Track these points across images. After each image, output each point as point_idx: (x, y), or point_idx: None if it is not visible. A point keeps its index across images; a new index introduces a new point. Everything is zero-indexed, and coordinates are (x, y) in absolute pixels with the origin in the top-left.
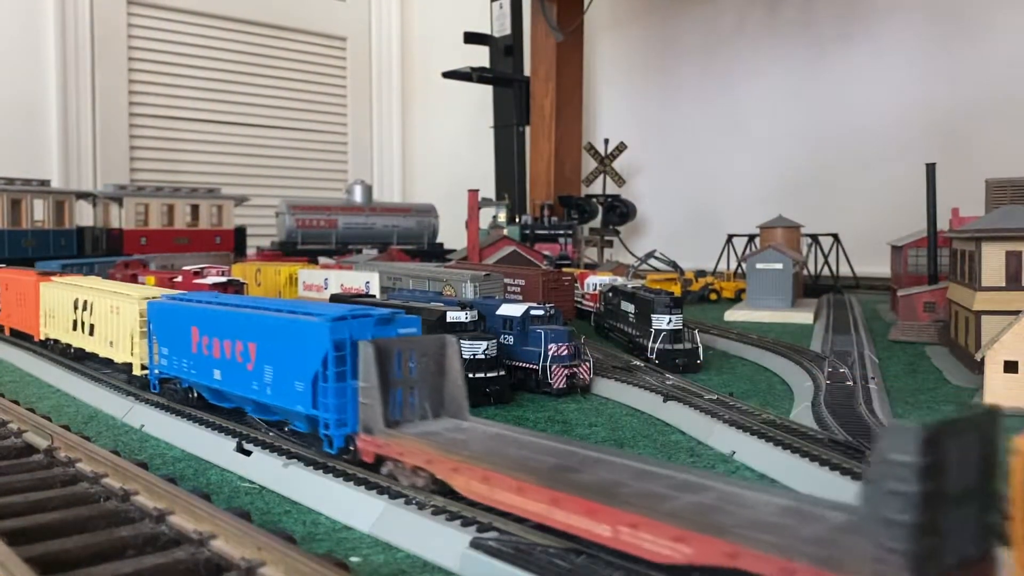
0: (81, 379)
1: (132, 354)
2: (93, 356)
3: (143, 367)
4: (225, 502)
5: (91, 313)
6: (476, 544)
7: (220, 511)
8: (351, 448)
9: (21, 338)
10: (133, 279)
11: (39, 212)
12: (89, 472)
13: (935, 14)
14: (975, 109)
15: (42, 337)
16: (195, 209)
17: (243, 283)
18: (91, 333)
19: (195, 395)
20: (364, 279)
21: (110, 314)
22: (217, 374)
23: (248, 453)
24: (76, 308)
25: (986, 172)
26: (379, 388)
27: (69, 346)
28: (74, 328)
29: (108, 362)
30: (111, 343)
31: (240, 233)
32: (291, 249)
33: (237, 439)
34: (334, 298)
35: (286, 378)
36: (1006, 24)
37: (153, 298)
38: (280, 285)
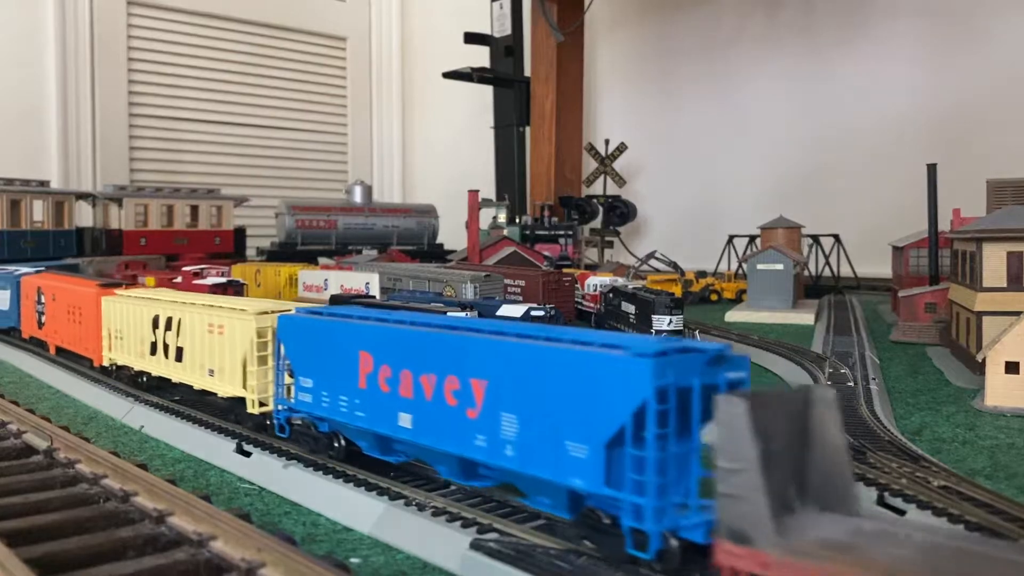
0: (81, 380)
1: (245, 386)
2: (181, 387)
3: (261, 403)
4: (225, 503)
5: (179, 333)
6: (476, 545)
7: (220, 512)
8: (669, 549)
9: (74, 359)
10: (133, 279)
11: (38, 213)
12: (89, 473)
13: (935, 15)
14: (976, 110)
15: (105, 363)
16: (195, 210)
17: (243, 284)
18: (179, 359)
19: (342, 442)
20: (364, 280)
21: (209, 334)
22: (405, 420)
23: (248, 454)
24: (156, 327)
25: (987, 173)
26: (760, 471)
27: (143, 375)
28: (152, 352)
29: (202, 395)
30: (211, 371)
31: (240, 234)
32: (291, 250)
33: (237, 440)
34: (334, 299)
35: (547, 435)
36: (1007, 24)
37: (284, 312)
38: (280, 286)
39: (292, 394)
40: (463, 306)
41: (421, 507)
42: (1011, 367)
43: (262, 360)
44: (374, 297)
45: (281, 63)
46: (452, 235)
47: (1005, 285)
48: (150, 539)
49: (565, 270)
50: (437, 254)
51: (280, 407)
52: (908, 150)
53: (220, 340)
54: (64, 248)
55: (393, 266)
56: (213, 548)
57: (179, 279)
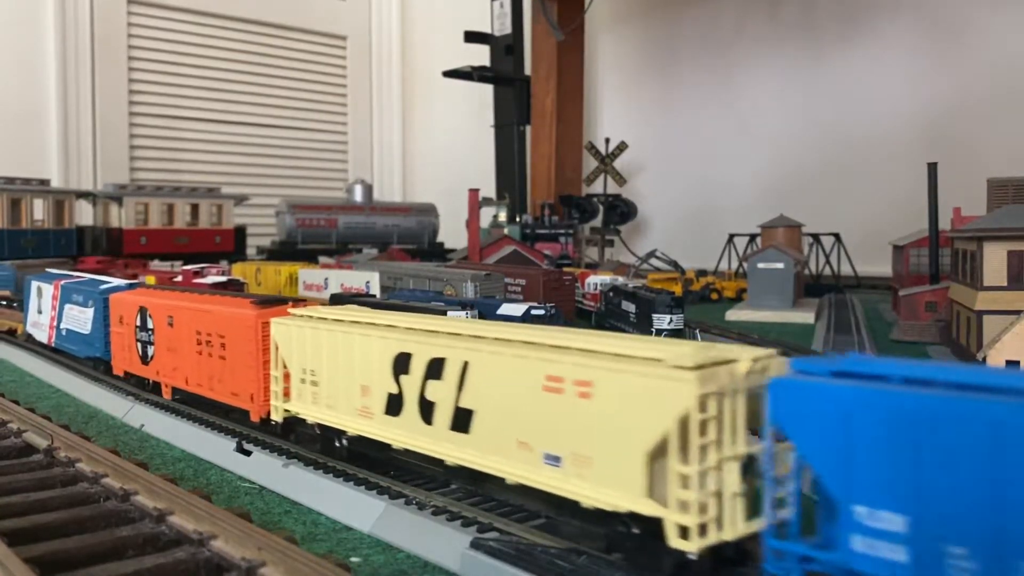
0: (81, 379)
1: (654, 496)
2: (453, 469)
3: (697, 529)
4: (225, 502)
5: (462, 386)
6: (476, 544)
7: (220, 511)
8: None
9: (199, 405)
10: (134, 279)
11: (39, 212)
12: (89, 472)
13: (936, 14)
14: (976, 108)
15: (275, 416)
16: (195, 208)
17: (243, 283)
18: (461, 427)
19: None
20: (364, 279)
21: (546, 395)
22: None
23: (248, 453)
24: (403, 371)
25: (988, 171)
26: None
27: (346, 437)
28: (393, 411)
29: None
30: (552, 458)
31: (240, 232)
32: (291, 248)
33: (237, 439)
34: (334, 298)
35: None
36: (1008, 24)
37: (768, 366)
38: (280, 285)
39: (817, 530)
40: (463, 305)
41: (421, 506)
42: (1012, 366)
43: (698, 452)
44: (374, 296)
45: (282, 62)
46: (452, 234)
47: (1006, 284)
48: (150, 538)
49: (565, 269)
50: (437, 253)
51: (781, 551)
52: (909, 149)
53: (580, 408)
54: (64, 247)
55: (393, 265)
56: (213, 547)
57: (179, 278)
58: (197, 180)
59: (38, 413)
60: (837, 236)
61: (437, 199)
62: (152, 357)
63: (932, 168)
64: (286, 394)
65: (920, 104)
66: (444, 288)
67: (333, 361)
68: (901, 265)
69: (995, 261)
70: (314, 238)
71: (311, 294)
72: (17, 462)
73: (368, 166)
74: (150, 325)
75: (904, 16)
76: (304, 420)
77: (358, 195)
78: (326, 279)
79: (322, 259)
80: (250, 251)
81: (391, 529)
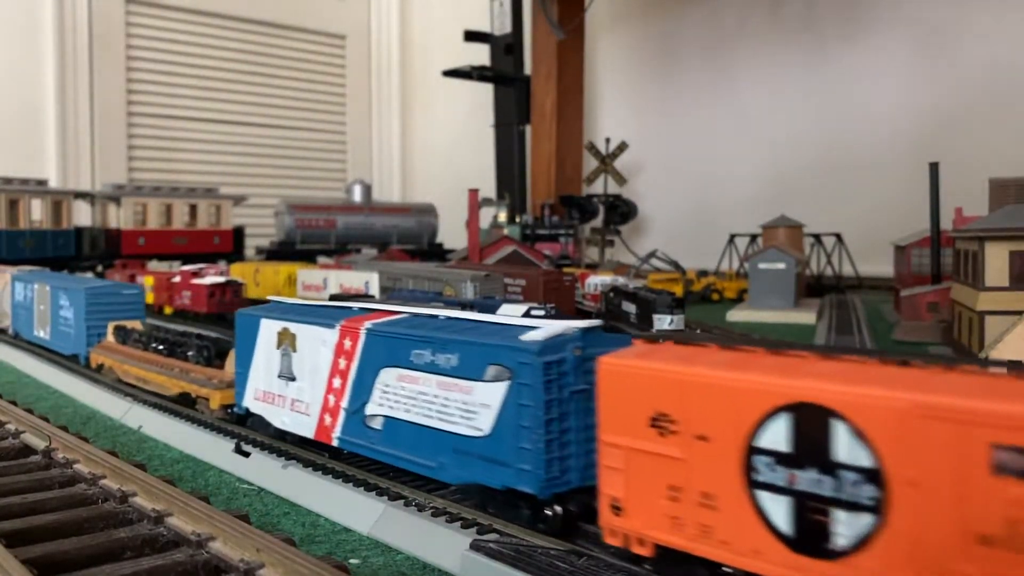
0: (79, 380)
1: None
2: None
3: None
4: (224, 503)
5: None
6: (476, 546)
7: (219, 513)
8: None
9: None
10: (132, 280)
11: (37, 212)
12: (87, 473)
13: (938, 14)
14: (978, 108)
15: None
16: (193, 209)
17: (241, 283)
18: None
19: None
20: (363, 279)
21: None
22: None
23: (247, 454)
24: None
25: (990, 171)
26: None
27: None
28: None
29: None
30: None
31: (239, 233)
32: (290, 249)
33: (236, 440)
34: (333, 299)
35: None
36: (1009, 24)
37: None
38: (279, 285)
39: None
40: (463, 305)
41: (421, 507)
42: (1015, 367)
43: None
44: (373, 297)
45: (280, 61)
46: (452, 234)
47: (1007, 284)
48: (148, 540)
49: (566, 269)
50: (437, 253)
51: None
52: (910, 148)
53: None
54: (62, 248)
55: (393, 265)
56: (212, 549)
57: (177, 278)
58: (195, 180)
59: (36, 414)
60: (838, 236)
61: (436, 199)
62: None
63: (934, 168)
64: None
65: (921, 104)
66: (443, 288)
67: None
68: (903, 265)
69: (997, 261)
70: (313, 238)
71: (310, 295)
72: (15, 463)
73: (367, 166)
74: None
75: (905, 16)
76: None
77: (357, 195)
78: (325, 279)
79: (321, 259)
80: (249, 251)
81: (390, 530)
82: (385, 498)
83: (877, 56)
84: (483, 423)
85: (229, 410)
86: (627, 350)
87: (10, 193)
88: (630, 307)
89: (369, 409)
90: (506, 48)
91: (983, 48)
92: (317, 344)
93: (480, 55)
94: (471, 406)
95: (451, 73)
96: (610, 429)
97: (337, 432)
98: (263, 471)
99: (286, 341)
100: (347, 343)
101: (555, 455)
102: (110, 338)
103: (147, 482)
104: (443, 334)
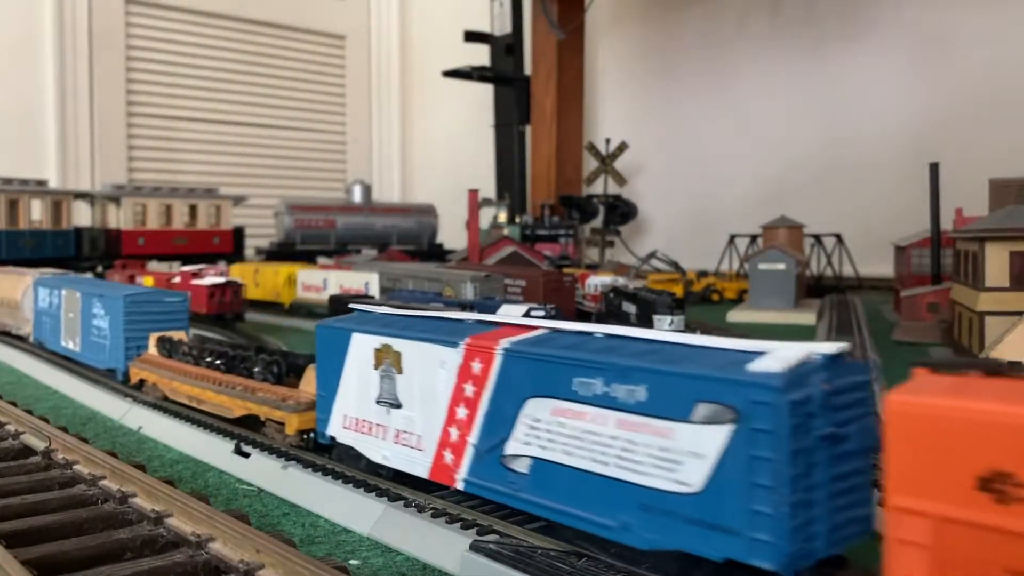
0: (79, 380)
1: None
2: None
3: None
4: (223, 504)
5: None
6: (476, 547)
7: (218, 513)
8: None
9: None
10: (131, 280)
11: (37, 212)
12: (87, 474)
13: (939, 14)
14: (978, 109)
15: None
16: (193, 209)
17: (241, 283)
18: None
19: None
20: (363, 280)
21: None
22: None
23: (247, 455)
24: None
25: (990, 172)
26: None
27: None
28: None
29: None
30: None
31: (238, 233)
32: (290, 249)
33: (236, 441)
34: (333, 299)
35: None
36: (1010, 24)
37: None
38: (279, 286)
39: None
40: (463, 306)
41: (420, 508)
42: (1015, 367)
43: None
44: (373, 297)
45: (280, 62)
46: (452, 234)
47: (1008, 285)
48: (148, 541)
49: (566, 270)
50: (437, 254)
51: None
52: (910, 149)
53: None
54: (62, 248)
55: (392, 266)
56: (212, 549)
57: (177, 279)
58: (195, 180)
59: (36, 415)
60: (839, 236)
61: (436, 199)
62: None
63: (934, 168)
64: None
65: (922, 104)
66: (443, 289)
67: None
68: (903, 266)
69: (997, 262)
70: (313, 239)
71: (310, 295)
72: (15, 464)
73: (367, 166)
74: None
75: (906, 16)
76: None
77: (357, 196)
78: (325, 280)
79: (321, 260)
80: (248, 252)
81: (390, 531)
82: (385, 499)
83: (877, 56)
84: (691, 476)
85: (305, 436)
86: (916, 383)
87: (10, 193)
88: (630, 308)
89: (510, 448)
90: (506, 48)
91: (983, 48)
92: (432, 365)
93: (480, 55)
94: (672, 454)
95: (451, 73)
96: (907, 490)
97: (462, 473)
98: (263, 472)
99: (387, 360)
100: (476, 365)
101: (801, 520)
102: (152, 351)
103: (147, 483)
104: (619, 359)
